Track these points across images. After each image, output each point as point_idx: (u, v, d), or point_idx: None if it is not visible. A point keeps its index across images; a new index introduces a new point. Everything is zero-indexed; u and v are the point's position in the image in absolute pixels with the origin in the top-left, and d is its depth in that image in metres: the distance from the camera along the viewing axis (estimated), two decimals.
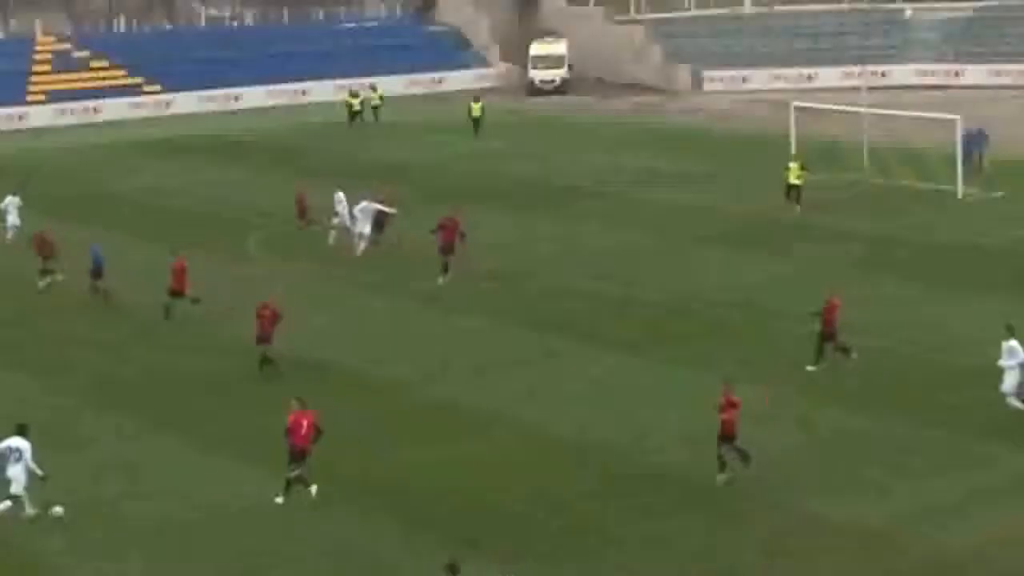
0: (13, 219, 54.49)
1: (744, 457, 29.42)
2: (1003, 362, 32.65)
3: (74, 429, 34.05)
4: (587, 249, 50.12)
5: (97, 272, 45.13)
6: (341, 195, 51.15)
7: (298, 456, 29.34)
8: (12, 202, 54.83)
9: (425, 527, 27.71)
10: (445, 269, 45.29)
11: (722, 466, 29.30)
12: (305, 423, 29.58)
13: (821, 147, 62.38)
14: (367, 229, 48.25)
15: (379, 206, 48.93)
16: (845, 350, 36.25)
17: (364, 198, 48.72)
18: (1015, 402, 32.37)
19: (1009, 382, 32.55)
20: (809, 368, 35.97)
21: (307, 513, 28.66)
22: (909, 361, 35.69)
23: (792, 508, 28.12)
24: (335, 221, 50.89)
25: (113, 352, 39.99)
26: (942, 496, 28.61)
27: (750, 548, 26.61)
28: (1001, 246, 48.60)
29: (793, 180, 53.84)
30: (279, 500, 29.18)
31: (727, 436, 29.35)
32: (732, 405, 29.42)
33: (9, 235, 54.17)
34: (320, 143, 76.34)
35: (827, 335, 36.19)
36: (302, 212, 52.95)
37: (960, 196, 55.62)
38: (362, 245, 48.71)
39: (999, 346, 37.48)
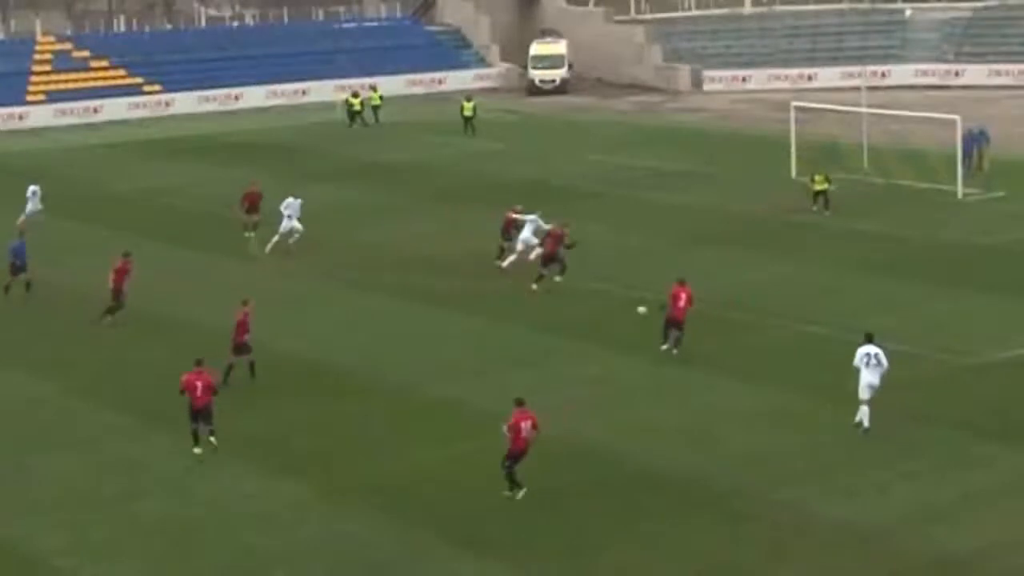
0: (32, 206, 55.63)
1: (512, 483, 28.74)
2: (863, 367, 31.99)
3: (74, 429, 34.06)
4: (587, 249, 50.06)
5: (16, 268, 45.27)
6: (291, 200, 50.77)
7: (197, 415, 31.67)
8: (35, 190, 55.82)
9: (425, 527, 27.70)
10: (540, 277, 44.58)
11: (512, 483, 28.69)
12: (200, 384, 31.57)
13: (821, 147, 62.44)
14: (534, 240, 46.90)
15: (544, 225, 47.53)
16: (676, 340, 37.35)
17: (532, 213, 47.57)
18: (866, 410, 31.77)
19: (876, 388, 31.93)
20: (663, 347, 37.26)
21: (308, 513, 28.68)
22: (909, 361, 35.67)
23: (792, 508, 28.12)
24: (286, 227, 50.19)
25: (114, 351, 39.98)
26: (942, 496, 28.61)
27: (750, 548, 26.61)
28: (1001, 246, 48.61)
29: (818, 187, 53.64)
30: (197, 451, 31.62)
31: (518, 453, 28.60)
32: (519, 425, 28.64)
33: (23, 221, 55.10)
34: (320, 143, 76.37)
35: (670, 320, 37.21)
36: (251, 210, 52.47)
37: (960, 196, 55.64)
38: (531, 256, 46.47)
39: (998, 346, 37.62)
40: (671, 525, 27.63)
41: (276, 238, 50.32)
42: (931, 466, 30.02)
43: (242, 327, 36.25)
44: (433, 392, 35.54)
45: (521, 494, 28.69)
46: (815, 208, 53.44)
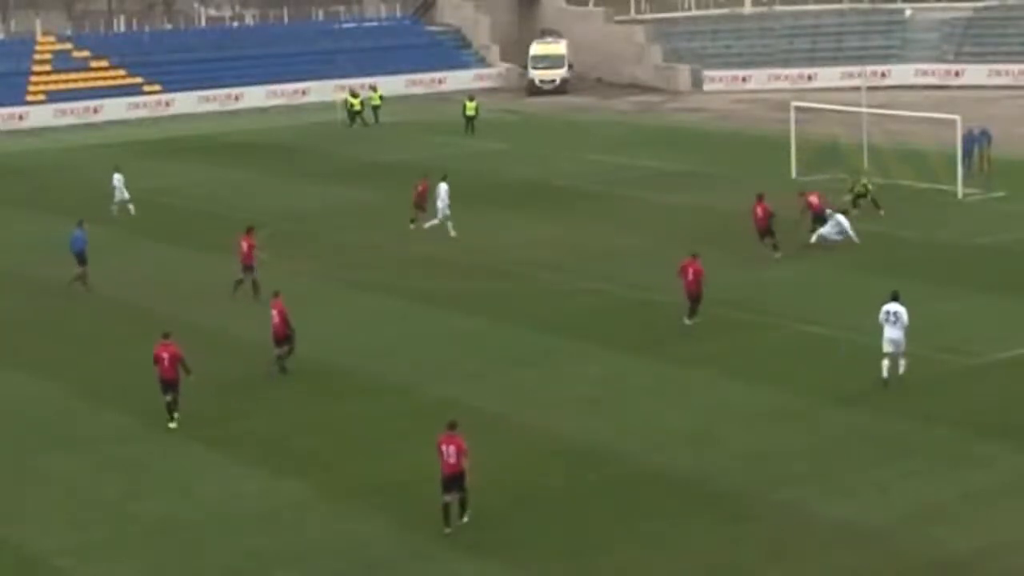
0: (121, 194, 56.93)
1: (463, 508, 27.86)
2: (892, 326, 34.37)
3: (74, 429, 34.05)
4: (587, 249, 50.12)
5: (81, 258, 45.85)
6: (446, 187, 51.94)
7: (167, 385, 33.42)
8: (118, 179, 56.42)
9: (425, 527, 27.68)
10: (775, 248, 47.22)
11: (446, 516, 27.58)
12: (167, 355, 33.38)
13: (821, 147, 62.46)
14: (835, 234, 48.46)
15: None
16: (693, 312, 39.46)
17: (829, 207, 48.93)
18: (886, 363, 34.16)
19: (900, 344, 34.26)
20: (685, 321, 39.41)
21: (308, 513, 28.68)
22: (909, 361, 35.66)
23: (792, 508, 28.11)
24: (444, 213, 51.58)
25: (114, 352, 39.97)
26: (942, 496, 28.60)
27: (750, 548, 26.60)
28: (1001, 246, 48.61)
29: (860, 192, 53.42)
30: (172, 425, 33.18)
31: (444, 479, 27.52)
32: (441, 449, 27.64)
33: (115, 210, 55.68)
34: (320, 143, 76.40)
35: (686, 295, 39.38)
36: (419, 203, 53.27)
37: (960, 196, 55.63)
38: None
39: (998, 346, 37.61)
40: (671, 525, 27.63)
41: (435, 221, 51.72)
42: (931, 466, 30.02)
43: (283, 317, 36.70)
44: (433, 392, 35.53)
45: (448, 531, 27.42)
46: (857, 211, 53.03)
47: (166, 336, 34.02)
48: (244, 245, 44.66)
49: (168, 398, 33.51)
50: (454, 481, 27.44)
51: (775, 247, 47.30)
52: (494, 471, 29.68)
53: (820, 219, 48.60)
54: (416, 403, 34.85)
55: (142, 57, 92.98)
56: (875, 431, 31.85)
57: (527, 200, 58.66)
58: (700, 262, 39.70)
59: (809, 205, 49.01)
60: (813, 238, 48.29)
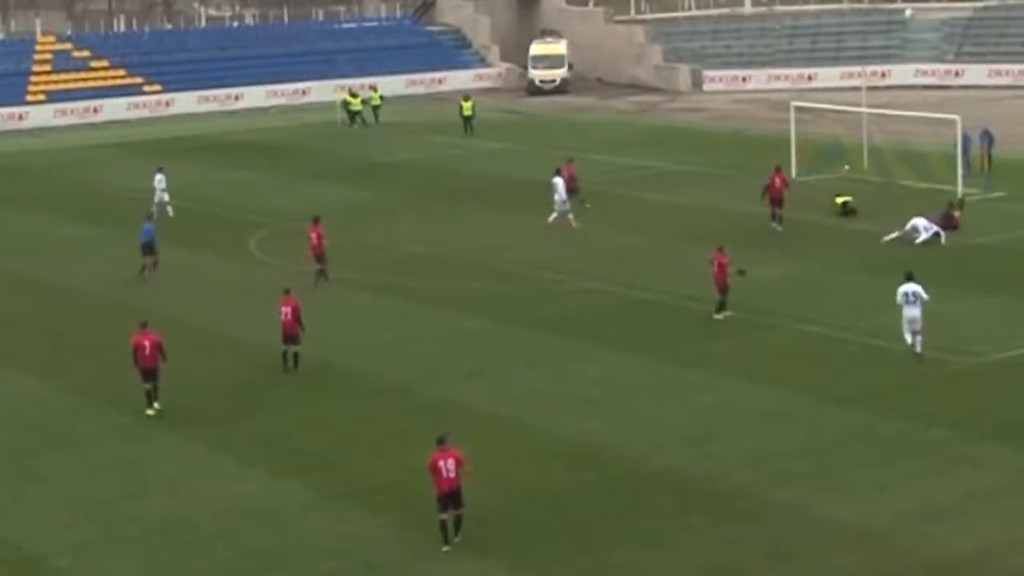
0: (161, 195, 57.14)
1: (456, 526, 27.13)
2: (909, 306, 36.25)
3: (74, 429, 34.05)
4: (587, 249, 50.12)
5: (147, 249, 46.87)
6: (560, 180, 53.12)
7: (147, 375, 34.23)
8: (160, 180, 56.32)
9: (425, 527, 27.66)
10: (775, 219, 50.51)
11: (443, 533, 26.87)
12: (148, 343, 34.19)
13: (821, 147, 62.44)
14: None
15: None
16: (721, 305, 40.59)
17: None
18: (910, 339, 36.10)
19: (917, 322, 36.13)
20: (716, 316, 40.49)
21: (308, 513, 28.68)
22: (909, 361, 35.69)
23: (792, 508, 28.11)
24: (564, 206, 52.60)
25: (114, 352, 39.93)
26: (942, 496, 28.58)
27: (750, 548, 26.59)
28: (1001, 246, 48.60)
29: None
30: (155, 412, 34.09)
31: (444, 496, 26.74)
32: (438, 465, 26.63)
33: (155, 209, 55.62)
34: (320, 143, 76.41)
35: (718, 288, 40.52)
36: (573, 188, 54.27)
37: (960, 196, 55.55)
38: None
39: (998, 346, 37.61)
40: (671, 525, 27.62)
41: (555, 215, 52.59)
42: (931, 466, 30.01)
43: (296, 315, 36.89)
44: (433, 392, 35.54)
45: (446, 548, 26.77)
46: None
47: (144, 325, 34.76)
48: (313, 236, 45.12)
49: (148, 386, 34.26)
50: (451, 498, 26.85)
51: (780, 220, 49.89)
52: (494, 471, 29.67)
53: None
54: (415, 403, 34.86)
55: (142, 57, 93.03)
56: (875, 431, 31.84)
57: (527, 200, 58.58)
58: (726, 255, 40.72)
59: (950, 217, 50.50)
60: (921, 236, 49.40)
